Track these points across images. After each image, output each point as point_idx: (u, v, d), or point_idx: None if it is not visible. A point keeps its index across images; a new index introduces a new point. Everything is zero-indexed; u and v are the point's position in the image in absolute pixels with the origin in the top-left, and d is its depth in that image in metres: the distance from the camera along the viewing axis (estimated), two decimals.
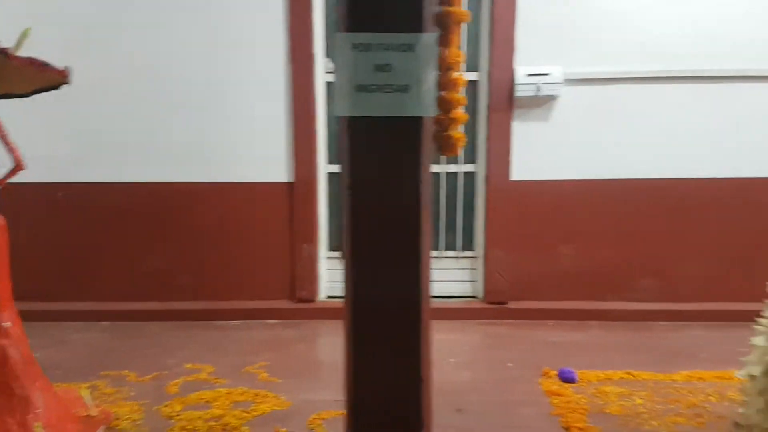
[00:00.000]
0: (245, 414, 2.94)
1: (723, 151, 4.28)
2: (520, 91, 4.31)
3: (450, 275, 4.75)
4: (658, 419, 2.89)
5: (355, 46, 1.61)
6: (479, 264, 4.66)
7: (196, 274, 4.51)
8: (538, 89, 4.28)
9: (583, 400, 3.11)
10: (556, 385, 3.29)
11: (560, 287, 4.54)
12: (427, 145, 1.67)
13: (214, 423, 2.87)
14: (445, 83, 1.66)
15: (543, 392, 3.20)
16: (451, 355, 3.82)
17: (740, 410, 2.67)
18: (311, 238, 4.53)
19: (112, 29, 4.38)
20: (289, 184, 4.50)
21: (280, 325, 4.39)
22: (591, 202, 4.44)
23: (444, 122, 1.69)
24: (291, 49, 4.37)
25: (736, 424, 2.66)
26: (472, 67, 4.49)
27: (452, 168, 4.60)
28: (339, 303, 4.83)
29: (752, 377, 2.57)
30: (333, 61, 1.61)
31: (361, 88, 1.61)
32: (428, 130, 1.66)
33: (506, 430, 2.82)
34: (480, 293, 4.67)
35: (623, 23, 4.27)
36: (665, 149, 4.31)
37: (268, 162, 4.44)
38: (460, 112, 1.70)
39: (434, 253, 4.69)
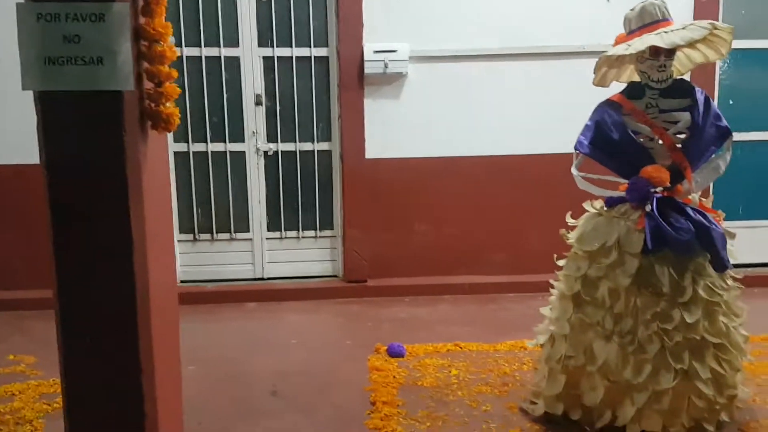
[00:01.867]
0: (46, 407, 2.81)
1: (560, 126, 4.39)
2: (369, 68, 4.28)
3: (310, 255, 4.71)
4: (465, 389, 2.96)
5: (41, 16, 1.51)
6: (338, 243, 4.65)
7: (30, 260, 4.26)
8: (386, 66, 4.27)
9: (403, 373, 3.15)
10: (382, 360, 3.32)
11: (416, 264, 4.58)
12: (132, 121, 1.59)
13: (9, 416, 2.73)
14: (151, 56, 1.59)
15: (367, 369, 3.22)
16: (294, 336, 3.78)
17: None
18: None
19: None
20: None
21: None
22: (442, 180, 4.49)
23: (155, 97, 1.61)
24: None
25: (533, 392, 2.77)
26: (322, 43, 4.42)
27: (307, 147, 4.54)
28: (194, 287, 4.64)
29: (541, 346, 2.68)
30: (18, 32, 1.50)
31: (50, 61, 1.51)
32: (132, 104, 1.59)
33: (312, 408, 2.82)
34: (340, 272, 4.66)
35: (466, 1, 4.29)
36: (508, 126, 4.40)
37: None
38: (171, 86, 1.63)
39: (293, 234, 4.64)
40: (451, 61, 4.38)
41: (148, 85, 1.63)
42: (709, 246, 2.28)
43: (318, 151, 4.56)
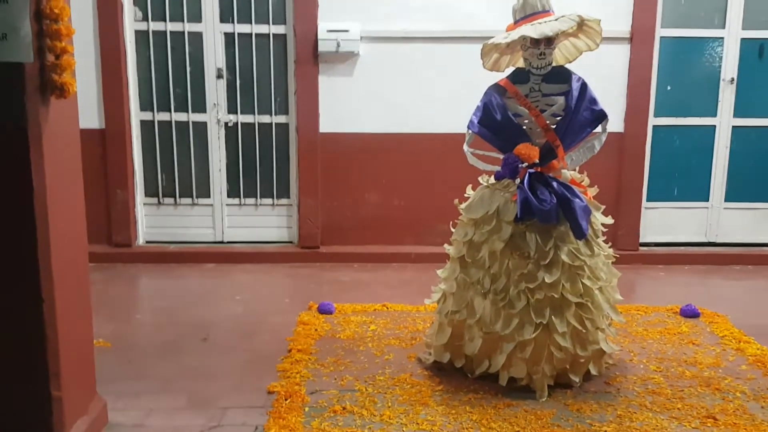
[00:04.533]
0: None
1: None
2: (323, 47, 4.54)
3: (267, 222, 5.01)
4: (376, 341, 3.28)
5: None
6: (294, 211, 4.95)
7: None
8: (339, 45, 4.52)
9: (326, 327, 3.47)
10: (311, 315, 3.63)
11: (366, 233, 4.88)
12: (33, 89, 1.88)
13: None
14: (50, 33, 1.87)
15: (296, 322, 3.54)
16: (240, 293, 4.11)
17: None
18: (125, 184, 4.69)
19: None
20: (100, 131, 4.63)
21: (93, 268, 4.56)
22: (391, 154, 4.76)
23: (53, 68, 1.90)
24: None
25: (426, 343, 3.08)
26: (280, 21, 4.67)
27: (266, 119, 4.82)
28: (157, 247, 4.92)
29: (435, 303, 2.98)
30: None
31: None
32: (33, 74, 1.88)
33: (233, 351, 3.14)
34: (295, 238, 4.97)
35: None
36: (453, 105, 4.62)
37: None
38: (67, 58, 1.91)
39: (251, 201, 4.95)
40: (400, 42, 4.62)
41: (50, 58, 1.92)
42: (568, 216, 2.56)
43: (276, 123, 4.83)
